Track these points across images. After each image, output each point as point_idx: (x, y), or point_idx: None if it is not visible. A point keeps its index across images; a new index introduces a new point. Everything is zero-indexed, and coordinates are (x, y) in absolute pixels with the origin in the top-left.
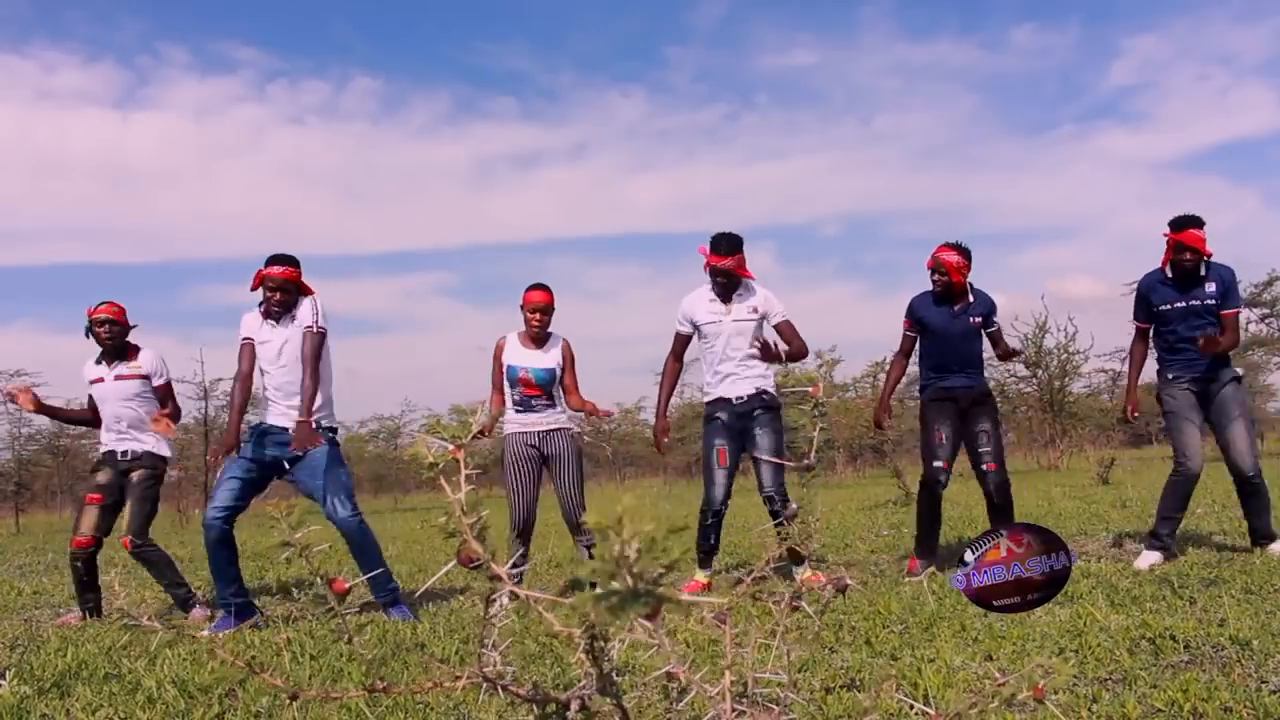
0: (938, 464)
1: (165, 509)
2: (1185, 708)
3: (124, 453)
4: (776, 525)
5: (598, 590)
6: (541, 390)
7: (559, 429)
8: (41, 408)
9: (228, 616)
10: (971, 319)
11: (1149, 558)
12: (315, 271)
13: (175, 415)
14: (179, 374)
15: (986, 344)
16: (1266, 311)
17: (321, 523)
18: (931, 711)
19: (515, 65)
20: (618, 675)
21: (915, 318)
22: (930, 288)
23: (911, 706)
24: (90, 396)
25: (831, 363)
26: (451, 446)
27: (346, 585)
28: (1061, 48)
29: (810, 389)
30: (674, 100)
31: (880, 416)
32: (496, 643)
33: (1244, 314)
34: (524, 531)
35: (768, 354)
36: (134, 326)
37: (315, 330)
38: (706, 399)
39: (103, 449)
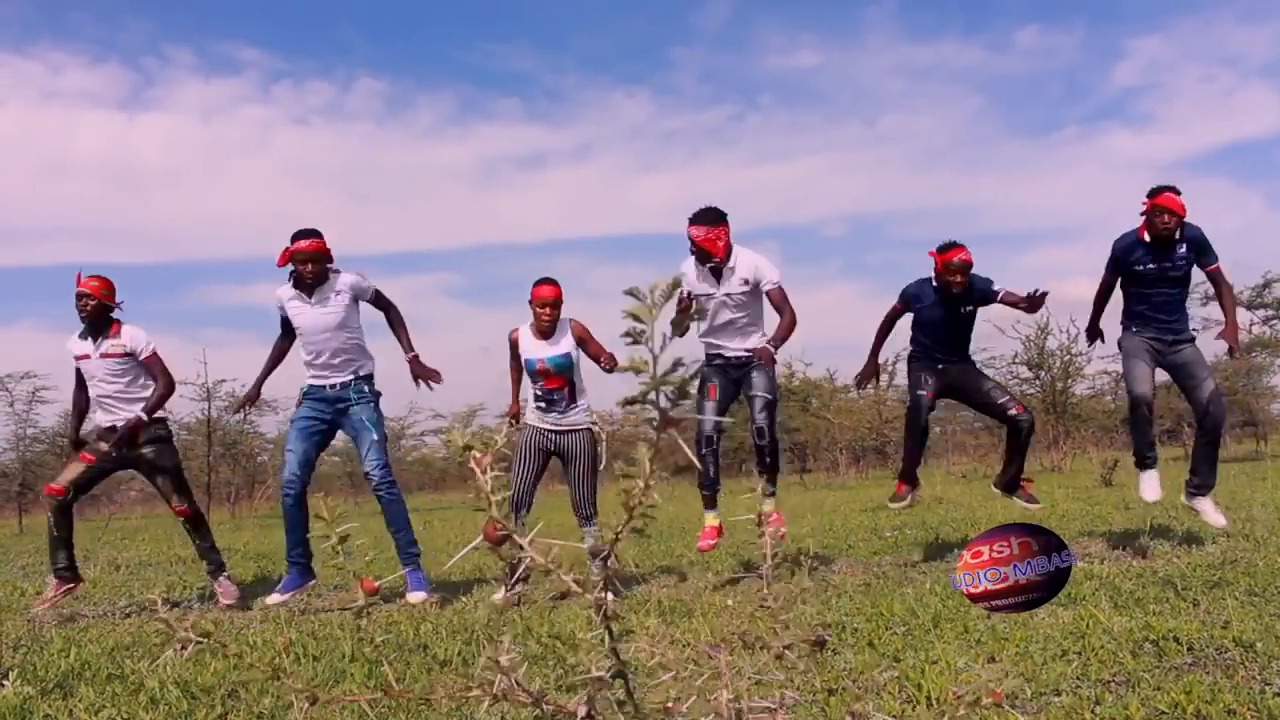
0: (922, 392)
1: (170, 510)
2: (1189, 710)
3: (115, 429)
4: (760, 467)
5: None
6: (562, 380)
7: (578, 429)
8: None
9: (293, 574)
10: (964, 309)
11: (1149, 481)
12: None
13: (167, 389)
14: (182, 375)
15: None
16: (1270, 314)
17: (357, 518)
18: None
19: (520, 66)
20: (626, 643)
21: (911, 306)
22: (927, 277)
23: (927, 708)
24: (78, 372)
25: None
26: (480, 452)
27: (376, 585)
28: (1066, 49)
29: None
30: (679, 101)
31: (866, 379)
32: (508, 647)
33: (1246, 316)
34: (517, 513)
35: (766, 356)
36: (119, 304)
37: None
38: (705, 351)
39: (102, 425)
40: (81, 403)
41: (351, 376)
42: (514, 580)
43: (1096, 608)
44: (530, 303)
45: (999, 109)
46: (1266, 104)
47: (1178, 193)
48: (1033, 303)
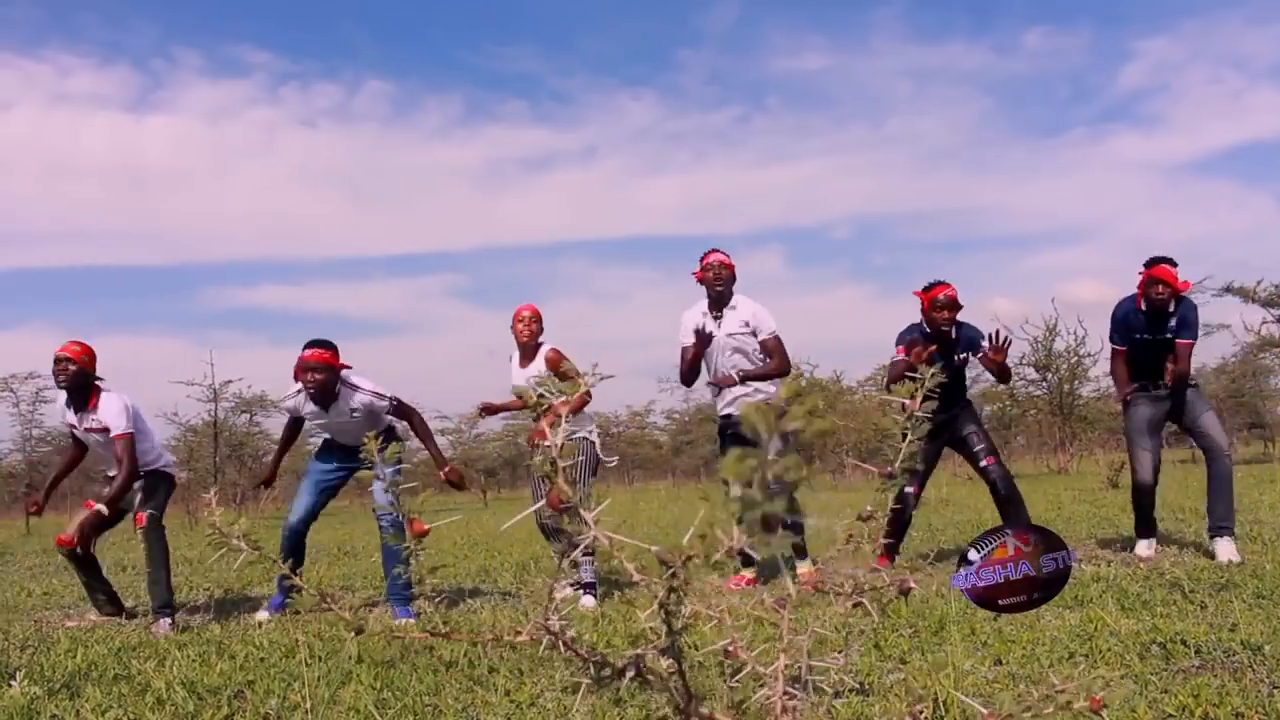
0: (909, 490)
1: (175, 510)
2: (1196, 713)
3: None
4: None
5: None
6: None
7: (573, 440)
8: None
9: (280, 595)
10: (958, 358)
11: (1143, 547)
12: (327, 273)
13: (124, 480)
14: (189, 376)
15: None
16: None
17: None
18: (983, 710)
19: (526, 68)
20: (685, 632)
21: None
22: (916, 322)
23: (933, 711)
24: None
25: (933, 375)
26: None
27: (426, 527)
28: (1073, 51)
29: (909, 401)
30: (685, 103)
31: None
32: (559, 608)
33: (1259, 314)
34: (549, 536)
35: (728, 381)
36: (97, 377)
37: (390, 403)
38: (719, 410)
39: (106, 471)
40: (63, 465)
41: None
42: (574, 545)
43: (1104, 610)
44: (511, 328)
45: (1006, 111)
46: (1274, 105)
47: (1173, 264)
48: (999, 358)
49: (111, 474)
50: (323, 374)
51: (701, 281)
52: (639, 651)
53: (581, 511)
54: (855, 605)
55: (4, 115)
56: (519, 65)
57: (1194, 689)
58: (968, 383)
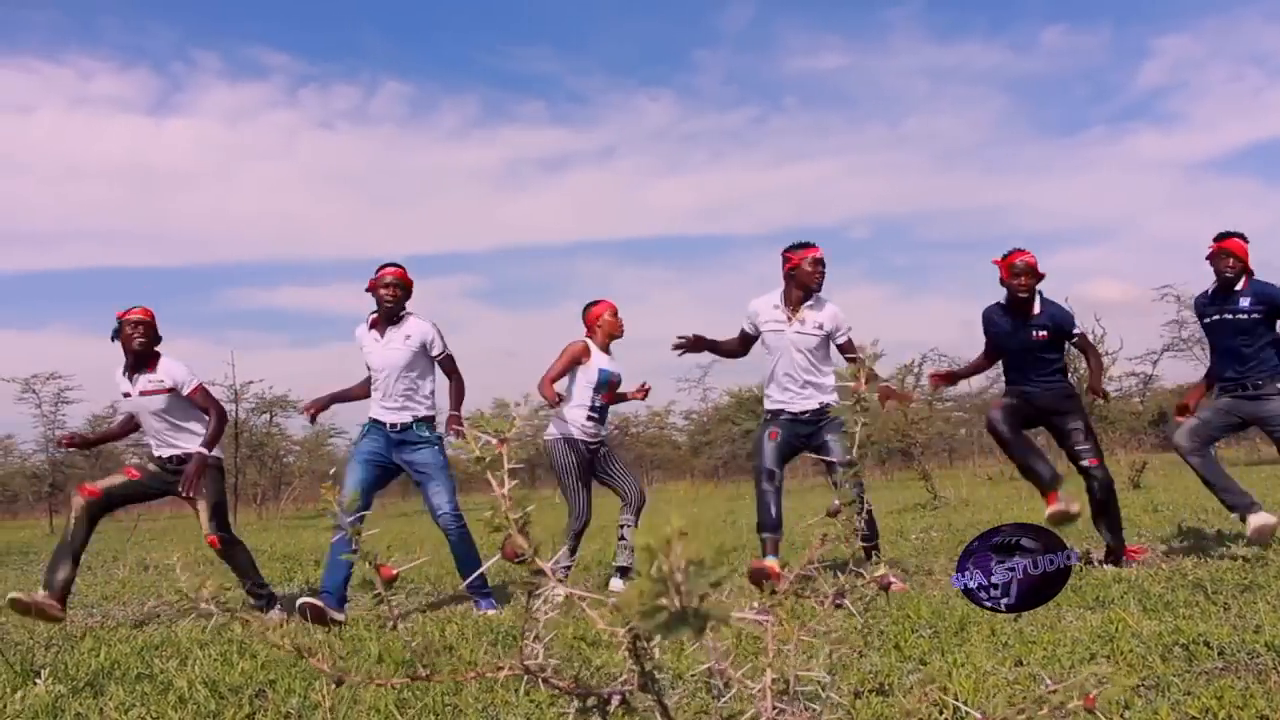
0: (995, 412)
1: (192, 514)
2: (1220, 715)
3: (169, 458)
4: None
5: (645, 607)
6: (614, 398)
7: (607, 437)
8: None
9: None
10: (1035, 334)
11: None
12: (346, 274)
13: (218, 423)
14: (209, 376)
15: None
16: None
17: (396, 518)
18: (978, 715)
19: (543, 69)
20: (659, 671)
21: (986, 330)
22: (996, 301)
23: (953, 711)
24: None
25: (873, 357)
26: (495, 440)
27: (394, 572)
28: (1092, 49)
29: (852, 384)
30: (702, 103)
31: (936, 381)
32: (540, 635)
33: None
34: (582, 531)
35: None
36: (159, 339)
37: (443, 346)
38: (766, 405)
39: (155, 454)
40: (116, 431)
41: (411, 419)
42: (535, 595)
43: (1125, 611)
44: (597, 320)
45: (1024, 109)
46: None
47: (1245, 239)
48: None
49: (160, 454)
50: (400, 290)
51: (792, 271)
52: (620, 681)
53: (540, 563)
54: (837, 606)
55: (26, 119)
56: (536, 66)
57: (1217, 691)
58: (1065, 367)
